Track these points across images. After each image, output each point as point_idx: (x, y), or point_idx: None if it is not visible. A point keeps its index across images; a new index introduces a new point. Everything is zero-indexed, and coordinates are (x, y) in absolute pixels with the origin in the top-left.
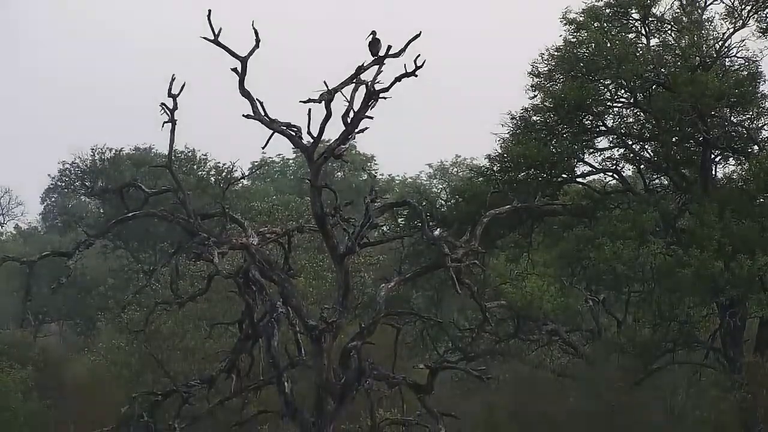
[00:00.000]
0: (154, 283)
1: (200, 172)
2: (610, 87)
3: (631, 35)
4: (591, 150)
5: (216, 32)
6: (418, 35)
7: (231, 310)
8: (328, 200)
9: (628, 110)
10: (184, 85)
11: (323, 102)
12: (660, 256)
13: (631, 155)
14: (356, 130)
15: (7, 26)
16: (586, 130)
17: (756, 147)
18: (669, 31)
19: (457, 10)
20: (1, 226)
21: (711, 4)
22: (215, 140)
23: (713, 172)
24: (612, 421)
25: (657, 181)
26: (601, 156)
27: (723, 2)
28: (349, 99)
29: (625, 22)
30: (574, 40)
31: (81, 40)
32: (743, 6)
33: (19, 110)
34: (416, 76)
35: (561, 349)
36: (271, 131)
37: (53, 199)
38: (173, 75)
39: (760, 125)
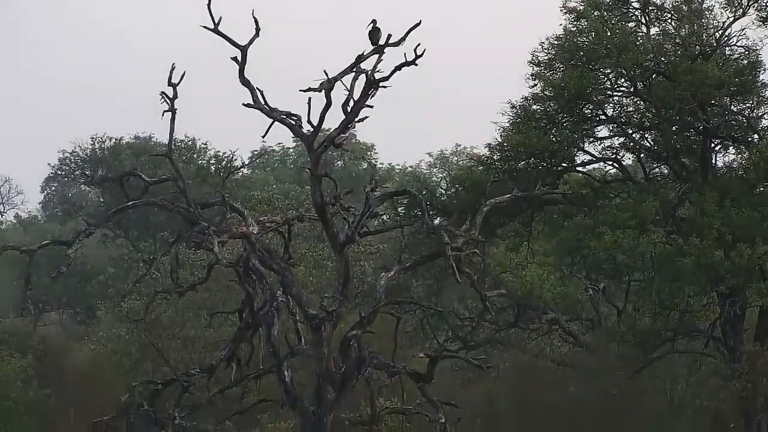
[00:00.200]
0: (154, 272)
1: (200, 161)
2: (610, 76)
3: (631, 24)
4: (591, 139)
5: (216, 21)
6: (418, 24)
7: (231, 299)
8: (328, 189)
9: (628, 99)
10: (184, 75)
11: (323, 91)
12: (660, 245)
13: (631, 144)
14: (356, 119)
15: (7, 26)
16: (586, 119)
17: (756, 136)
18: (669, 20)
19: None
20: (1, 215)
21: None
22: (215, 129)
23: (713, 161)
24: (612, 409)
25: (657, 170)
26: (601, 145)
27: None
28: (349, 88)
29: (625, 10)
30: (574, 29)
31: (81, 40)
32: None
33: (19, 110)
34: (416, 65)
35: (561, 338)
36: (271, 120)
37: (53, 188)
38: (173, 64)
39: (760, 114)
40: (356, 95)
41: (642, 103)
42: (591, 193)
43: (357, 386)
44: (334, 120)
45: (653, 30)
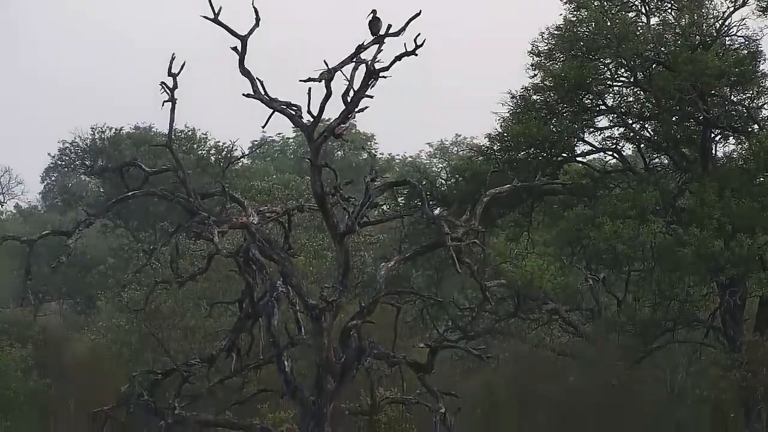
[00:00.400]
0: (154, 262)
1: (200, 151)
2: (610, 66)
3: (631, 14)
4: (591, 129)
5: (216, 12)
6: (417, 14)
7: (231, 289)
8: (328, 179)
9: (628, 89)
10: (184, 65)
11: (323, 81)
12: (660, 235)
13: (631, 134)
14: (356, 110)
15: (7, 26)
16: (586, 109)
17: (756, 126)
18: (669, 10)
19: None
20: (2, 205)
21: None
22: (215, 120)
23: (713, 151)
24: (612, 399)
25: (657, 160)
26: (601, 135)
27: None
28: (349, 78)
29: (625, 0)
30: (574, 19)
31: (81, 39)
32: None
33: (19, 109)
34: (416, 55)
35: (561, 328)
36: (271, 110)
37: (53, 178)
38: (173, 54)
39: (760, 104)
40: (356, 85)
41: (642, 93)
42: (591, 183)
43: (357, 376)
44: (334, 110)
45: (653, 20)
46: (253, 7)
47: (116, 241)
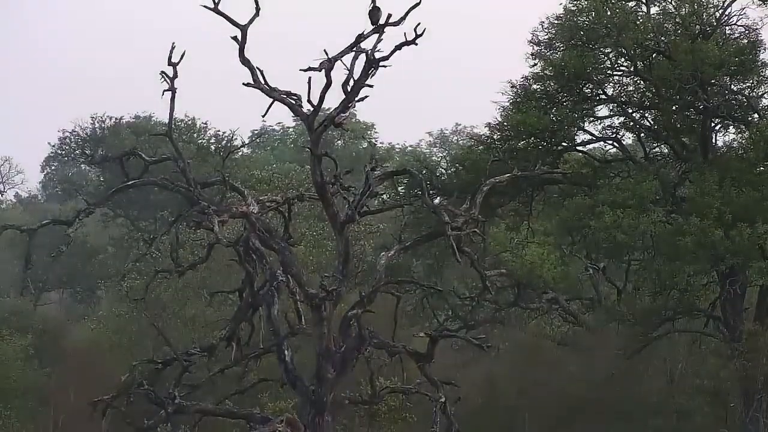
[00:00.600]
0: (154, 252)
1: (200, 141)
2: (611, 55)
3: (631, 3)
4: (591, 118)
5: (216, 1)
6: (418, 4)
7: (231, 279)
8: (329, 168)
9: (629, 78)
10: (184, 54)
11: (323, 70)
12: (660, 225)
13: (632, 123)
14: (356, 99)
15: (6, 17)
16: (586, 99)
17: (756, 115)
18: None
19: None
20: (2, 195)
21: None
22: (215, 109)
23: (713, 141)
24: (612, 389)
25: (657, 149)
26: (601, 124)
27: None
28: (349, 67)
29: None
30: (574, 8)
31: (81, 29)
32: None
33: (19, 99)
34: (416, 44)
35: (561, 317)
36: (272, 100)
37: (53, 168)
38: (173, 43)
39: (760, 93)
40: (356, 75)
41: (642, 82)
42: (591, 172)
43: (357, 365)
44: (334, 100)
45: (653, 9)
46: None
47: (116, 231)
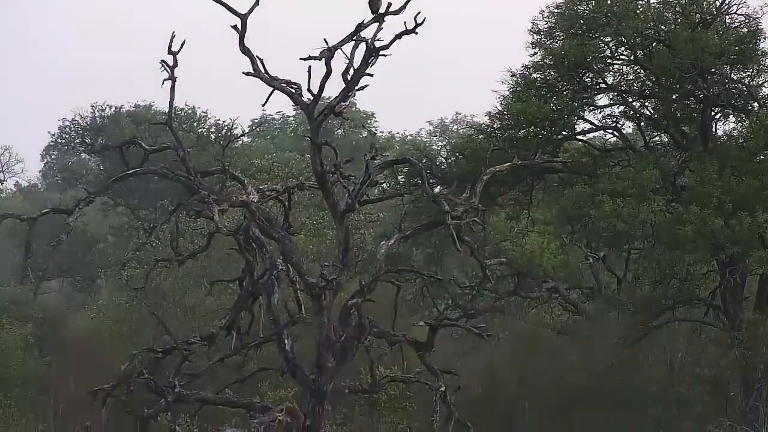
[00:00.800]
0: (154, 241)
1: (200, 130)
2: (611, 44)
3: None
4: (591, 107)
5: None
6: None
7: (231, 268)
8: (328, 157)
9: (629, 67)
10: (184, 43)
11: (323, 59)
12: (660, 214)
13: (632, 112)
14: (356, 88)
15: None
16: (586, 88)
17: (756, 104)
18: None
19: None
20: (2, 183)
21: None
22: (215, 98)
23: (713, 130)
24: (612, 377)
25: (657, 138)
26: (601, 113)
27: None
28: (349, 56)
29: None
30: None
31: (81, 18)
32: None
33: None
34: (416, 33)
35: (561, 306)
36: (272, 89)
37: (53, 157)
38: (173, 32)
39: (760, 82)
40: (356, 64)
41: (642, 71)
42: (591, 161)
43: (357, 354)
44: (334, 89)
45: None
46: None
47: (116, 220)
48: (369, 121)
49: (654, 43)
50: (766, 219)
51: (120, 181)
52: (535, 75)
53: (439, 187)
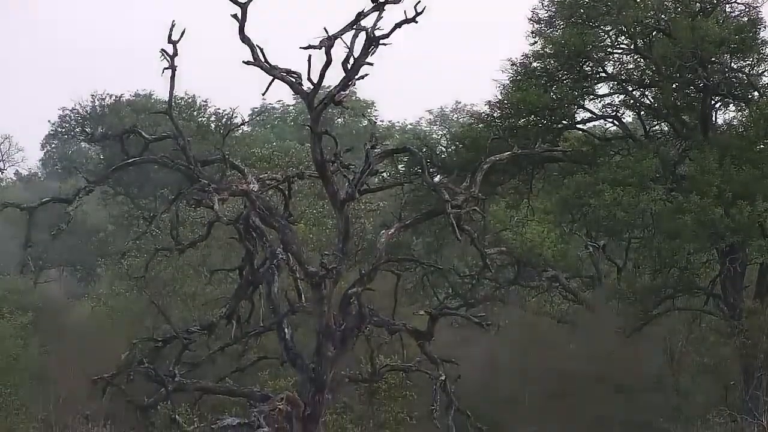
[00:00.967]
0: (154, 230)
1: (200, 119)
2: (611, 33)
3: None
4: (591, 96)
5: None
6: None
7: (231, 257)
8: (329, 146)
9: (629, 56)
10: (184, 32)
11: (323, 48)
12: (660, 203)
13: (632, 101)
14: (356, 77)
15: None
16: (586, 77)
17: (756, 93)
18: None
19: None
20: (2, 172)
21: None
22: (215, 87)
23: (713, 119)
24: (612, 366)
25: (657, 127)
26: (602, 102)
27: None
28: (349, 45)
29: None
30: None
31: (81, 6)
32: None
33: (19, 77)
34: (416, 22)
35: (561, 295)
36: (272, 78)
37: (53, 146)
38: (173, 21)
39: (760, 71)
40: (356, 53)
41: (642, 60)
42: (591, 150)
43: (357, 343)
44: (334, 78)
45: None
46: None
47: (116, 209)
48: (369, 110)
49: (654, 32)
50: (766, 208)
51: (120, 170)
52: (535, 64)
53: (439, 176)
